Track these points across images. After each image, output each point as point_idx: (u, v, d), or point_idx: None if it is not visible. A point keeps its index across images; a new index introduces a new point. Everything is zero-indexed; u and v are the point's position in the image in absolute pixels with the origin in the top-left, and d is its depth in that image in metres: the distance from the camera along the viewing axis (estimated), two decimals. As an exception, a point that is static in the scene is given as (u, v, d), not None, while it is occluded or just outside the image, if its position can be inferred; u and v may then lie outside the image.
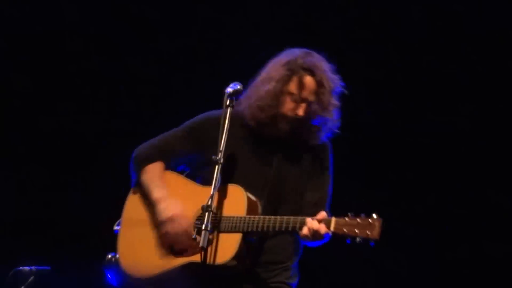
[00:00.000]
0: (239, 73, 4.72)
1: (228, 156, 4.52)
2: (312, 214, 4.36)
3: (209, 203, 4.29)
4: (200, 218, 4.42)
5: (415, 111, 6.81)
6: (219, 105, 4.56)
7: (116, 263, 5.18)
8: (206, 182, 4.50)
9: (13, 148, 7.06)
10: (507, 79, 6.69)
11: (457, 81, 6.76)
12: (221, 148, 4.37)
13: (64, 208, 6.92)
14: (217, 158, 4.36)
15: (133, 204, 4.72)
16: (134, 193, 4.72)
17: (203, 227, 4.24)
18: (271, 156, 4.61)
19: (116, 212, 4.76)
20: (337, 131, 4.62)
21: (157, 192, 4.59)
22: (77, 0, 7.03)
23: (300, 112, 4.55)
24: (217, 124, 4.49)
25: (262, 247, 4.53)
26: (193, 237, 4.37)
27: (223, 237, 4.40)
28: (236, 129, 4.58)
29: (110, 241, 4.95)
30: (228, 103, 4.49)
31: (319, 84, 4.56)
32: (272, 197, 4.55)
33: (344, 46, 4.90)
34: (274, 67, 4.64)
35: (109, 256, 5.40)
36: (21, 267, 5.42)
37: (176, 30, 7.05)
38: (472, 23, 6.70)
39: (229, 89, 4.51)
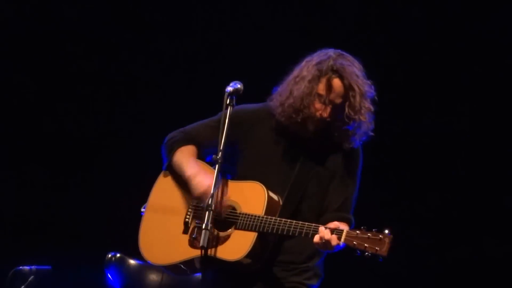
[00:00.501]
0: (239, 72, 4.73)
1: (256, 147, 4.57)
2: (333, 219, 4.41)
3: (210, 202, 4.28)
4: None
5: (414, 111, 6.82)
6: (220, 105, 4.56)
7: (116, 263, 5.19)
8: (234, 176, 4.57)
9: (13, 148, 7.06)
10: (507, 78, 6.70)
11: (456, 80, 6.77)
12: (220, 148, 4.36)
13: (65, 208, 6.91)
14: (217, 157, 4.35)
15: (161, 188, 4.70)
16: (164, 176, 4.71)
17: (203, 226, 4.22)
18: (297, 154, 4.60)
19: (118, 213, 4.77)
20: (371, 133, 4.59)
21: (190, 169, 4.58)
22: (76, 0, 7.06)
23: (325, 114, 4.53)
24: (250, 117, 4.62)
25: (280, 246, 4.52)
26: (193, 236, 4.37)
27: (239, 234, 4.41)
28: (267, 122, 4.62)
29: (111, 241, 4.95)
30: (228, 102, 4.48)
31: (348, 87, 4.52)
32: (293, 196, 4.54)
33: (345, 45, 4.91)
34: (307, 67, 4.62)
35: (110, 255, 5.41)
36: (21, 267, 5.43)
37: (176, 31, 7.06)
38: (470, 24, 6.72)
39: (229, 88, 4.50)
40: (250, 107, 4.70)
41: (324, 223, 4.41)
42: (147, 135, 6.69)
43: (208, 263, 4.40)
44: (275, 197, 4.48)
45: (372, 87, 4.61)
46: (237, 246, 4.39)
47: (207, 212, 4.26)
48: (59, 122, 7.08)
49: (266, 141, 4.63)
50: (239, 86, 4.52)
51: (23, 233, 6.86)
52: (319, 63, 4.58)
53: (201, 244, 4.21)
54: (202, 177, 4.53)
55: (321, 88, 4.55)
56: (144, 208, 4.70)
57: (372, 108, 4.58)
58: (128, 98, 7.07)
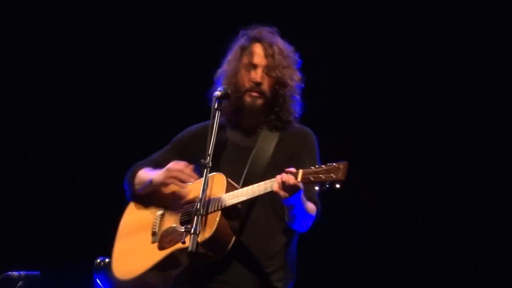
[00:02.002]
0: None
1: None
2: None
3: (198, 206, 4.28)
4: (186, 209, 4.53)
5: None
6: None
7: (105, 268, 5.18)
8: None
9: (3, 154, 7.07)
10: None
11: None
12: (209, 152, 4.38)
13: (54, 213, 6.91)
14: (206, 162, 4.37)
15: (127, 218, 4.77)
16: (129, 207, 4.78)
17: (192, 231, 4.22)
18: (248, 148, 4.63)
19: (106, 217, 4.75)
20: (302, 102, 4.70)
21: (151, 174, 4.64)
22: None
23: (255, 76, 4.62)
24: (194, 135, 4.70)
25: (242, 248, 4.50)
26: (181, 241, 4.35)
27: (205, 218, 4.39)
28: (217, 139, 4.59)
29: (100, 246, 4.94)
30: (216, 106, 4.51)
31: (268, 46, 4.64)
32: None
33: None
34: (233, 52, 4.74)
35: (98, 260, 5.39)
36: (10, 272, 5.40)
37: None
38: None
39: (217, 92, 4.55)
40: (195, 126, 4.79)
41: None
42: (140, 137, 6.72)
43: (175, 262, 4.43)
44: (234, 183, 4.48)
45: (296, 53, 4.71)
46: (205, 227, 4.35)
47: (195, 217, 4.26)
48: (51, 125, 7.09)
49: (225, 151, 4.65)
50: (227, 90, 4.54)
51: (12, 238, 6.85)
52: (240, 43, 4.71)
53: (189, 249, 4.20)
54: (161, 170, 4.59)
55: (245, 59, 4.66)
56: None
57: (298, 66, 4.68)
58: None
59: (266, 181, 4.35)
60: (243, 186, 4.49)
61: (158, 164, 4.71)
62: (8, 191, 7.01)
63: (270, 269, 4.55)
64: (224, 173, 4.52)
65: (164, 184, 4.59)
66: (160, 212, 4.66)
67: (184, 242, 4.31)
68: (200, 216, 4.27)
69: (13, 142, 7.06)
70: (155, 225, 4.61)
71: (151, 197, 4.69)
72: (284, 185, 4.25)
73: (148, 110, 7.08)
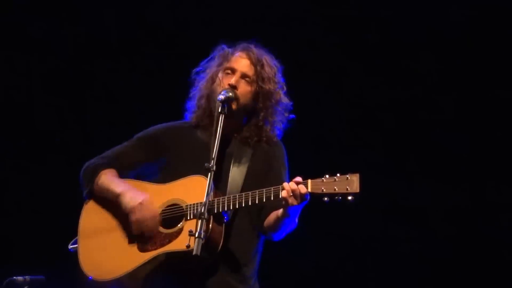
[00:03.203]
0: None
1: (184, 156, 4.61)
2: (278, 207, 4.42)
3: (203, 210, 4.28)
4: (166, 210, 4.49)
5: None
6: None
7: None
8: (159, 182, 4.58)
9: (11, 157, 7.08)
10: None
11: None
12: (213, 156, 4.38)
13: (58, 217, 6.90)
14: (210, 165, 4.36)
15: (88, 216, 4.71)
16: (88, 205, 4.72)
17: (196, 235, 4.23)
18: (228, 155, 4.61)
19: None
20: (290, 115, 4.70)
21: (119, 187, 4.59)
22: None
23: (232, 81, 4.58)
24: (166, 132, 4.67)
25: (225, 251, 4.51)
26: (186, 245, 4.34)
27: (192, 223, 4.39)
28: (192, 133, 4.67)
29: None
30: (220, 110, 4.50)
31: (257, 57, 4.62)
32: (233, 193, 4.53)
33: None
34: (209, 66, 4.72)
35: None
36: (14, 277, 5.40)
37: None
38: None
39: (221, 96, 4.54)
40: (170, 123, 4.76)
41: (267, 215, 4.48)
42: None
43: (163, 262, 4.42)
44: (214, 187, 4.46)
45: (278, 62, 4.68)
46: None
47: (199, 221, 4.27)
48: (56, 132, 7.09)
49: (195, 149, 4.63)
50: (230, 94, 4.54)
51: (16, 242, 6.85)
52: (222, 53, 4.68)
53: (194, 253, 4.21)
54: (134, 193, 4.53)
55: (225, 64, 4.63)
56: (71, 245, 4.74)
57: (283, 82, 4.65)
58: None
59: (269, 188, 4.35)
60: (229, 193, 4.48)
61: (121, 163, 4.66)
62: (13, 193, 7.02)
63: (247, 274, 4.59)
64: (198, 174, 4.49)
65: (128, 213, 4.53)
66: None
67: (188, 246, 4.31)
68: (204, 220, 4.26)
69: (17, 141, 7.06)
70: (128, 225, 4.56)
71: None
72: (294, 193, 4.26)
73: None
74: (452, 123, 6.74)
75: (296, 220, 4.48)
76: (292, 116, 4.69)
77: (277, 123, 4.66)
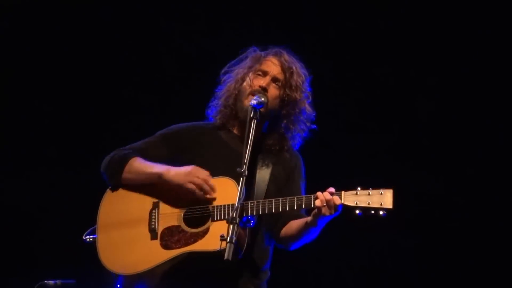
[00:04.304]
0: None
1: (208, 156, 4.60)
2: (297, 217, 4.46)
3: (234, 215, 4.26)
4: (190, 210, 4.50)
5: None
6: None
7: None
8: None
9: (39, 161, 7.11)
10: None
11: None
12: (245, 160, 4.35)
13: (89, 222, 6.93)
14: (241, 170, 4.34)
15: (109, 207, 4.67)
16: (110, 194, 4.68)
17: (228, 240, 4.21)
18: (254, 159, 4.59)
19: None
20: (312, 127, 4.70)
21: (158, 168, 4.56)
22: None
23: (263, 83, 4.59)
24: (187, 132, 4.66)
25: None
26: (218, 249, 4.33)
27: (218, 224, 4.41)
28: (215, 133, 4.68)
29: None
30: (252, 115, 4.49)
31: (285, 64, 4.62)
32: (258, 199, 4.53)
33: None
34: (239, 67, 4.73)
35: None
36: (46, 281, 5.43)
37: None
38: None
39: (253, 101, 4.53)
40: (193, 122, 4.76)
41: (285, 224, 4.50)
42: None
43: (186, 262, 4.40)
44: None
45: (308, 72, 4.69)
46: (218, 235, 4.32)
47: (231, 226, 4.24)
48: (92, 142, 7.12)
49: (218, 150, 4.65)
50: (263, 99, 4.54)
51: (47, 247, 6.87)
52: (254, 56, 4.69)
53: (225, 258, 4.18)
54: (177, 168, 4.52)
55: (257, 66, 4.64)
56: (86, 235, 4.71)
57: (309, 92, 4.66)
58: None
59: (300, 196, 4.37)
60: (256, 198, 4.49)
61: (144, 156, 4.64)
62: (44, 200, 7.05)
63: (263, 279, 4.61)
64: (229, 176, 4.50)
65: (178, 185, 4.52)
66: (153, 204, 4.59)
67: (221, 250, 4.28)
68: (236, 225, 4.25)
69: (46, 146, 7.09)
70: (153, 221, 4.56)
71: (142, 187, 4.62)
72: (328, 204, 4.26)
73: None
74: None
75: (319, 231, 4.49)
76: (313, 126, 4.69)
77: (298, 131, 4.67)
